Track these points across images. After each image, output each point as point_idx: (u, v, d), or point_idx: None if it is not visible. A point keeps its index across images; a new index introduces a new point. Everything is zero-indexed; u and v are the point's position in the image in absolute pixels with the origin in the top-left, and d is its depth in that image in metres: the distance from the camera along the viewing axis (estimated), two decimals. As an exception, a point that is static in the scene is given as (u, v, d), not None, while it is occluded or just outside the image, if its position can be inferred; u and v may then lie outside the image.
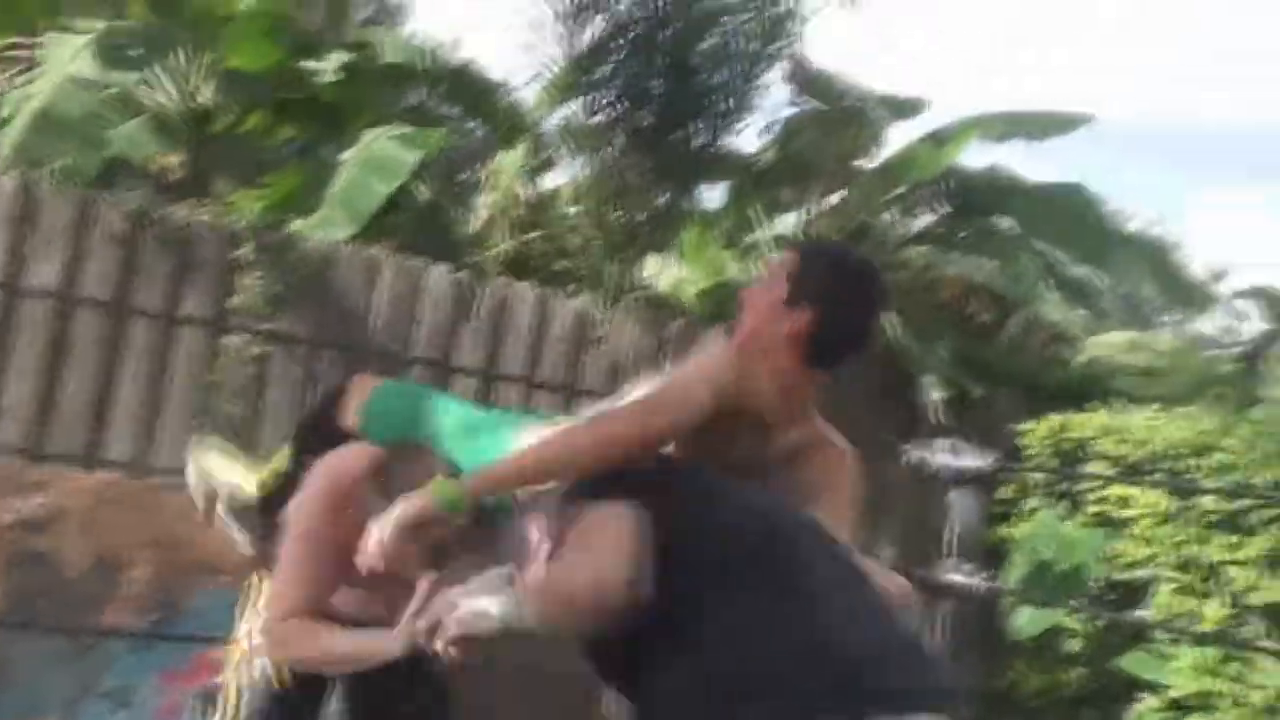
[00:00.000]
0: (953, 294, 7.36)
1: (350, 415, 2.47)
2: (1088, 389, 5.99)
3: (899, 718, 1.74)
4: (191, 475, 2.87)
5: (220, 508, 2.84)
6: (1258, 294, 6.81)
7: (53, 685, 4.05)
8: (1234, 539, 4.59)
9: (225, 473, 2.80)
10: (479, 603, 1.82)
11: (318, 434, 2.50)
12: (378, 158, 5.60)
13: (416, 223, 6.44)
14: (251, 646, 2.57)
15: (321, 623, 2.31)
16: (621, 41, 5.53)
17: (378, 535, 2.00)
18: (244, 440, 4.61)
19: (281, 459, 2.65)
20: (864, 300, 2.17)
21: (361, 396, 2.52)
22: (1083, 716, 5.25)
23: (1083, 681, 5.21)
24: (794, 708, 1.72)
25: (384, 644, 2.21)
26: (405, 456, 2.23)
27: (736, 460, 2.07)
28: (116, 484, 4.32)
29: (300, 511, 2.35)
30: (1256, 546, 4.48)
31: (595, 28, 5.46)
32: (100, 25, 5.74)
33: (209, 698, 4.28)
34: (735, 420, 2.07)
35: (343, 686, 2.53)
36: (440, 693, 2.55)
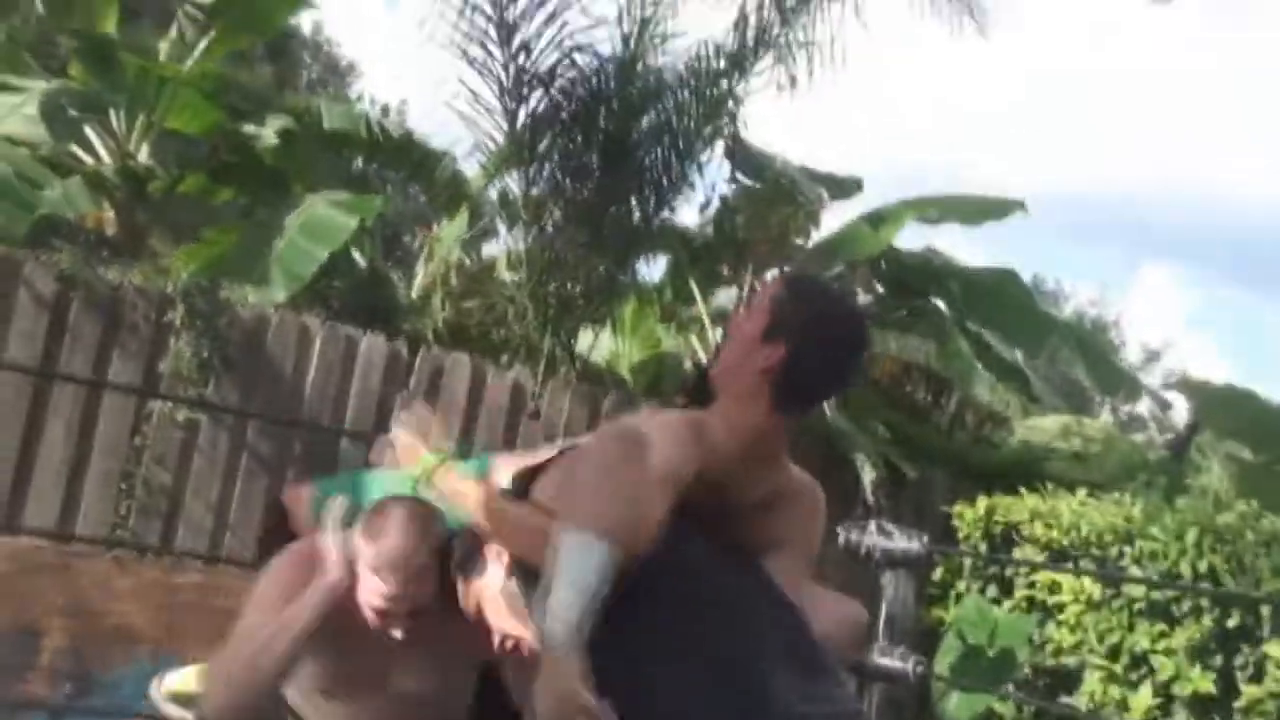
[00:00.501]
0: (888, 374, 7.44)
1: (302, 525, 2.42)
2: (1020, 471, 6.04)
3: None
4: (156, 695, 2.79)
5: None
6: (1183, 384, 6.95)
7: (-43, 761, 3.90)
8: (1161, 628, 4.62)
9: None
10: None
11: (276, 547, 2.44)
12: (316, 222, 5.56)
13: (354, 289, 6.40)
14: None
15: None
16: (562, 116, 5.56)
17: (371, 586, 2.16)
18: (168, 507, 4.53)
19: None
20: (843, 340, 2.04)
21: (303, 505, 2.47)
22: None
23: (1014, 767, 5.19)
24: None
25: (306, 602, 2.19)
26: (375, 510, 2.24)
27: (706, 513, 1.98)
28: (33, 549, 4.20)
29: (260, 582, 2.33)
30: (1183, 636, 4.51)
31: (535, 102, 5.48)
32: (37, 84, 5.68)
33: (123, 772, 4.15)
34: (701, 487, 1.95)
35: None
36: None
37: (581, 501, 1.82)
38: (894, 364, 7.39)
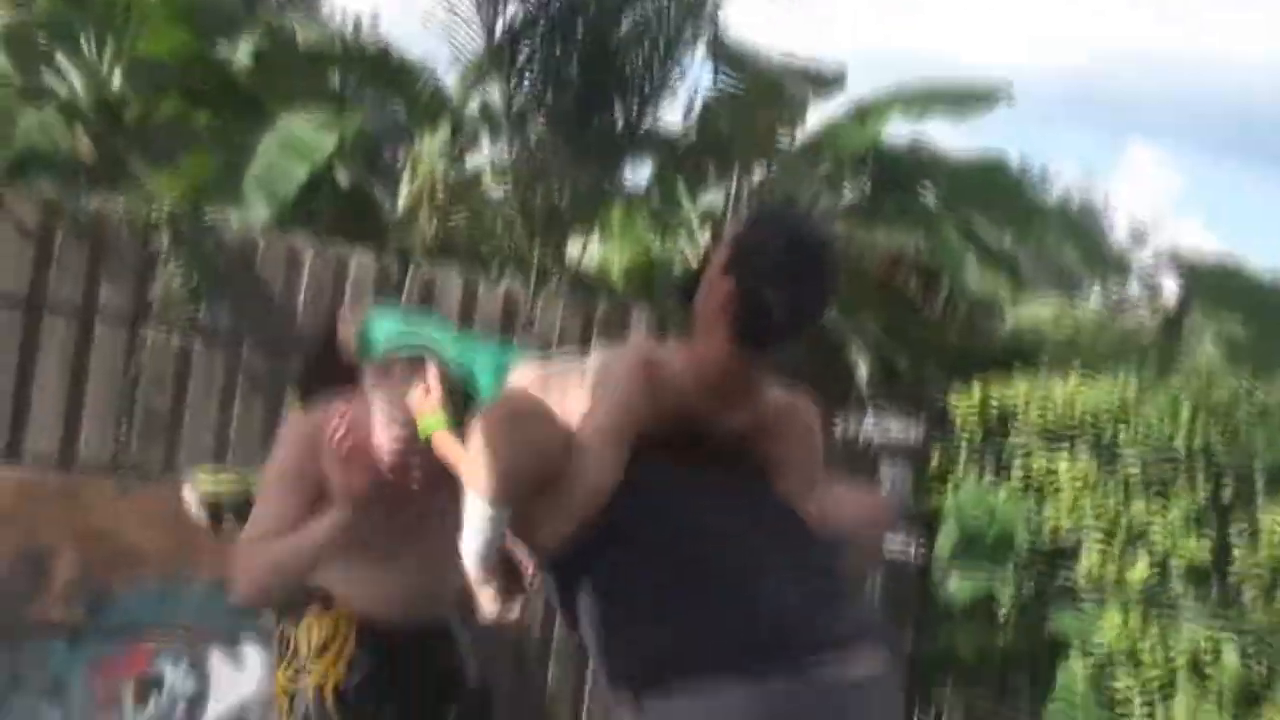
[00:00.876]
0: (880, 267, 7.45)
1: (349, 346, 2.49)
2: (1013, 358, 6.08)
3: (808, 672, 1.78)
4: (191, 497, 2.86)
5: (223, 511, 2.83)
6: (1172, 259, 6.97)
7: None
8: (1156, 503, 4.69)
9: (224, 484, 2.78)
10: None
11: (319, 375, 2.52)
12: (295, 141, 5.53)
13: (339, 208, 6.37)
14: (287, 694, 2.52)
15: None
16: (540, 24, 5.49)
17: (389, 433, 2.25)
18: (168, 431, 4.56)
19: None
20: (799, 275, 1.93)
21: (355, 326, 2.53)
22: (1016, 677, 5.34)
23: (1015, 643, 5.29)
24: (713, 676, 1.76)
25: (326, 522, 2.28)
26: (410, 367, 2.34)
27: (683, 446, 1.99)
28: (40, 479, 4.25)
29: (274, 452, 2.44)
30: (1177, 509, 4.58)
31: (513, 10, 5.41)
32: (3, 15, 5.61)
33: (143, 686, 4.25)
34: (670, 423, 1.97)
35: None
36: (485, 700, 2.58)
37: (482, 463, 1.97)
38: (885, 257, 7.40)
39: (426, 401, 2.29)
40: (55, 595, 4.08)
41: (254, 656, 4.30)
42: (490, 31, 5.48)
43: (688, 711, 1.77)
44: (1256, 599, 4.37)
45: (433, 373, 2.31)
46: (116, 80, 6.05)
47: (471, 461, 2.00)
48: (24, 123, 5.02)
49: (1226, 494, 4.49)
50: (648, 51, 5.86)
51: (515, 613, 2.12)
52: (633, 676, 1.83)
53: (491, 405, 2.09)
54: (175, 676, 4.25)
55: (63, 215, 4.37)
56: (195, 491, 2.86)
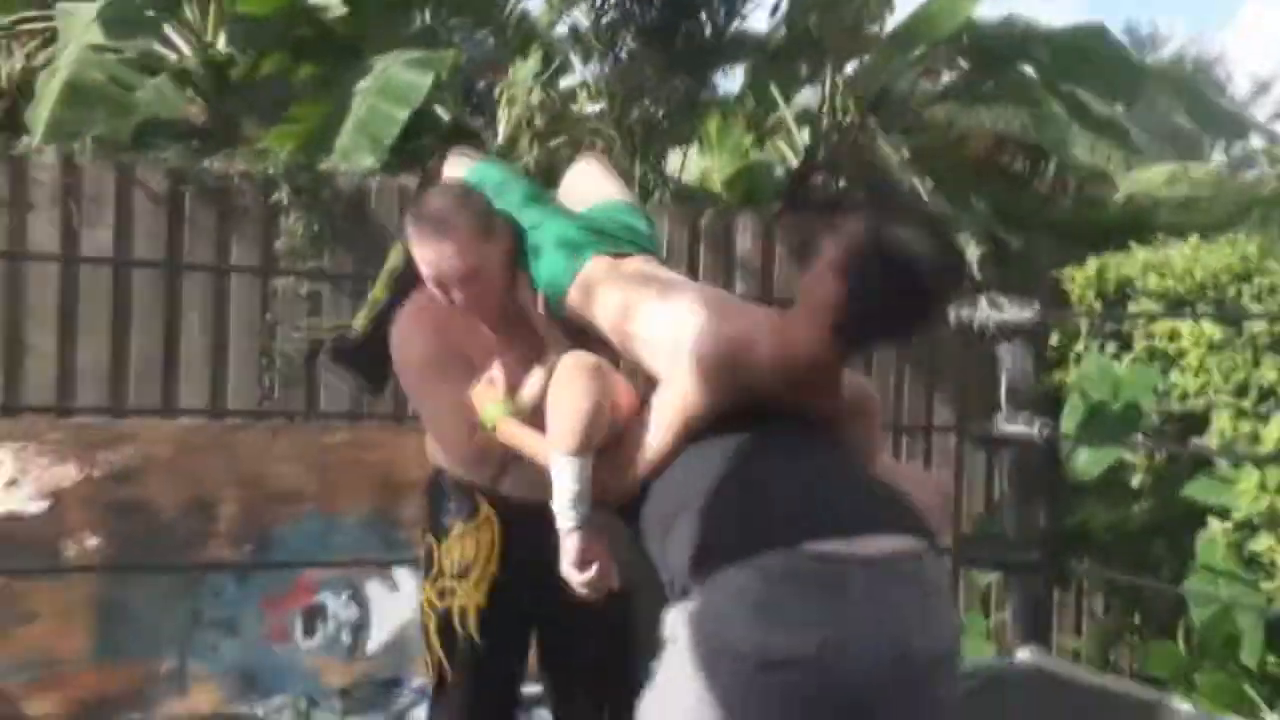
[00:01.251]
0: (983, 148, 7.35)
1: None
2: (1128, 227, 5.99)
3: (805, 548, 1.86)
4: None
5: (322, 358, 2.89)
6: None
7: (164, 622, 4.27)
8: (1285, 358, 4.64)
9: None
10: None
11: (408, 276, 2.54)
12: (392, 84, 5.64)
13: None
14: (434, 610, 2.60)
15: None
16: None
17: None
18: (305, 374, 4.78)
19: (379, 286, 2.72)
20: (912, 292, 1.94)
21: (457, 172, 2.60)
22: (1153, 546, 5.35)
23: (1151, 513, 5.31)
24: (739, 549, 1.88)
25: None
26: None
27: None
28: (196, 429, 4.50)
29: (403, 353, 2.47)
30: (1308, 363, 4.53)
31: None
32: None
33: (310, 617, 4.51)
34: (744, 402, 2.06)
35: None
36: (622, 640, 2.58)
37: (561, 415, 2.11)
38: (988, 137, 7.31)
39: (489, 392, 2.33)
40: (221, 537, 4.34)
41: (408, 582, 4.50)
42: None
43: (702, 601, 1.89)
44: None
45: (496, 364, 2.34)
46: (221, 42, 6.24)
47: (551, 415, 2.11)
48: (141, 94, 5.23)
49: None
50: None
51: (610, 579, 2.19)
52: (672, 572, 1.99)
53: (565, 361, 2.15)
54: (338, 606, 4.49)
55: (189, 180, 4.59)
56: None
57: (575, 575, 2.16)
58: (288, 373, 4.71)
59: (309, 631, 4.54)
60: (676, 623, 1.93)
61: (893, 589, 1.89)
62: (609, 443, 2.12)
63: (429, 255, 2.33)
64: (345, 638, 4.54)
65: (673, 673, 1.92)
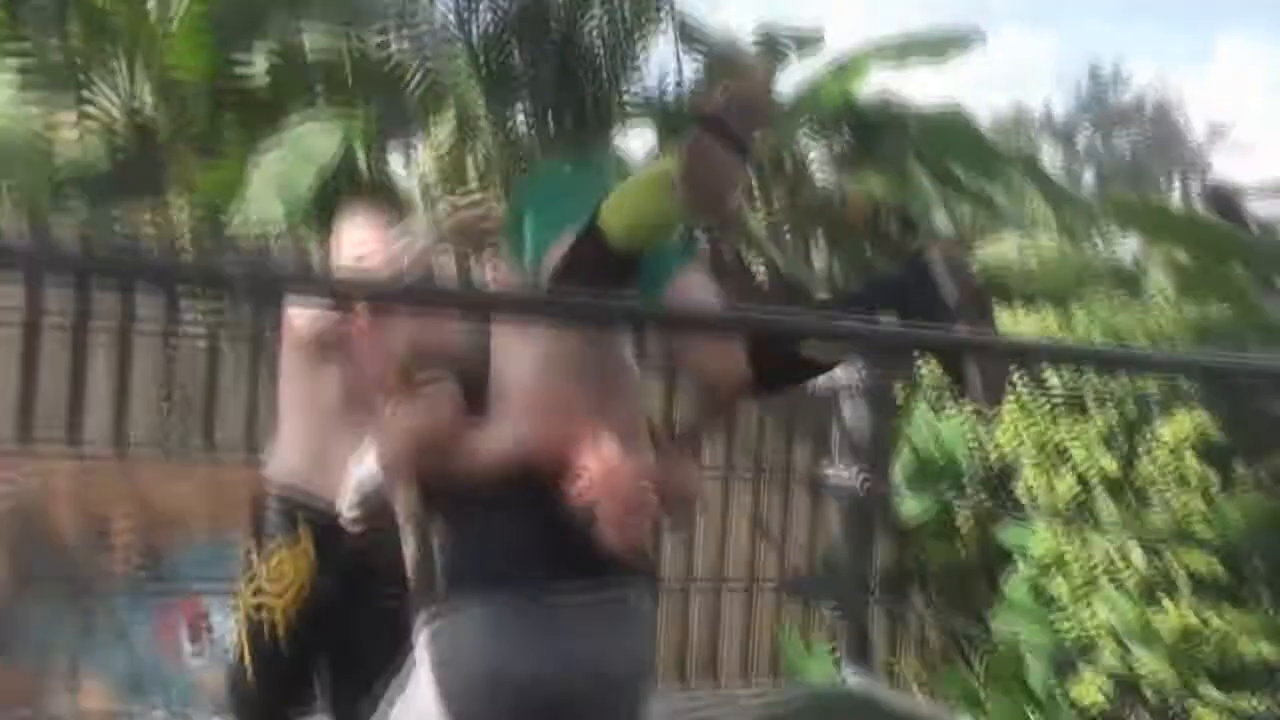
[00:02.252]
0: (861, 212, 7.99)
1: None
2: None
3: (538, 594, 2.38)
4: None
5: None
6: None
7: (62, 633, 4.77)
8: (1076, 422, 5.21)
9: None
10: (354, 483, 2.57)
11: None
12: (305, 145, 6.17)
13: (358, 199, 7.04)
14: (249, 617, 3.09)
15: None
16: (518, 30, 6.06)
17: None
18: (203, 419, 5.29)
19: None
20: None
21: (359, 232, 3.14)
22: (978, 584, 5.94)
23: (975, 554, 5.89)
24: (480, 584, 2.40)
25: None
26: None
27: None
28: (97, 460, 5.00)
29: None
30: (1094, 426, 5.11)
31: (484, 17, 6.00)
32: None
33: (196, 632, 5.01)
34: None
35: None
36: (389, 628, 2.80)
37: None
38: (866, 203, 7.94)
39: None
40: (117, 557, 4.85)
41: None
42: (469, 37, 6.07)
43: (447, 626, 2.41)
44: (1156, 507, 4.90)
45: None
46: (148, 100, 6.74)
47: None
48: (65, 152, 5.71)
49: (1129, 412, 5.00)
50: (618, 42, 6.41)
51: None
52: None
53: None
54: (223, 623, 4.99)
55: (98, 238, 5.09)
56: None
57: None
58: (187, 415, 5.21)
59: (196, 643, 5.04)
60: (422, 644, 2.46)
61: (600, 623, 2.43)
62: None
63: None
64: (228, 653, 5.04)
65: (418, 686, 2.45)
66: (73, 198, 5.51)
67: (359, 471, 2.60)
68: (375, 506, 2.64)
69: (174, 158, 6.43)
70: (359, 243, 2.92)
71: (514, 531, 2.46)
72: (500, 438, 2.41)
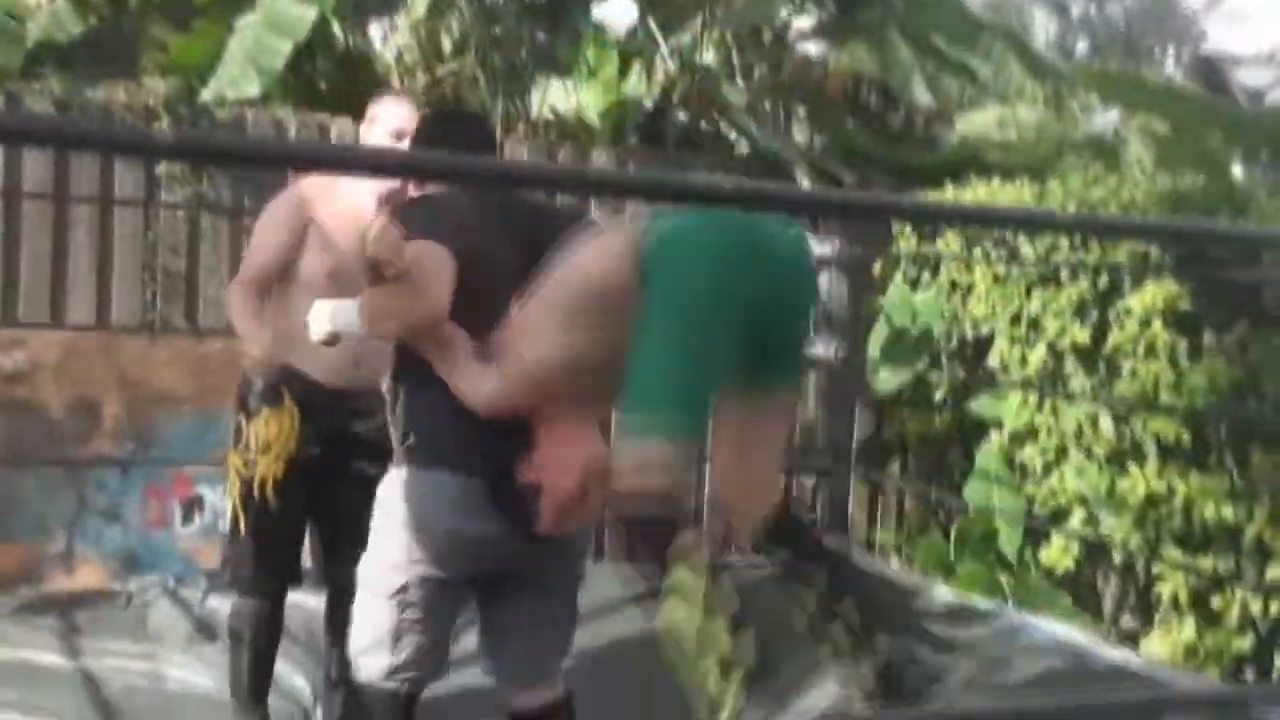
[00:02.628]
0: (842, 85, 7.93)
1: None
2: (958, 168, 6.57)
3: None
4: None
5: None
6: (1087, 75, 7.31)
7: (54, 510, 4.86)
8: (1049, 293, 5.29)
9: None
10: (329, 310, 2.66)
11: None
12: (277, 16, 6.09)
13: (335, 72, 6.97)
14: (239, 476, 3.23)
15: (254, 300, 3.10)
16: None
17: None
18: (188, 290, 5.32)
19: None
20: None
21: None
22: (951, 454, 6.07)
23: (949, 425, 6.01)
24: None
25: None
26: None
27: None
28: (81, 337, 5.04)
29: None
30: (1066, 298, 5.18)
31: None
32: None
33: (187, 507, 5.10)
34: None
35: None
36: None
37: None
38: (847, 75, 7.87)
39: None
40: (106, 434, 4.92)
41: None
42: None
43: (412, 482, 2.64)
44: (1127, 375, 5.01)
45: None
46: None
47: None
48: (35, 21, 5.63)
49: (1101, 284, 5.08)
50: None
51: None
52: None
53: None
54: (214, 497, 5.09)
55: (74, 109, 5.04)
56: None
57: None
58: (169, 289, 5.24)
59: (187, 518, 5.14)
60: (390, 493, 2.61)
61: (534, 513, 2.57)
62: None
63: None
64: (220, 525, 5.14)
65: (386, 534, 2.61)
66: (44, 69, 5.44)
67: (338, 306, 2.66)
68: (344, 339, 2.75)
69: (147, 27, 6.34)
70: (401, 118, 3.12)
71: (466, 433, 2.60)
72: (483, 387, 2.51)
